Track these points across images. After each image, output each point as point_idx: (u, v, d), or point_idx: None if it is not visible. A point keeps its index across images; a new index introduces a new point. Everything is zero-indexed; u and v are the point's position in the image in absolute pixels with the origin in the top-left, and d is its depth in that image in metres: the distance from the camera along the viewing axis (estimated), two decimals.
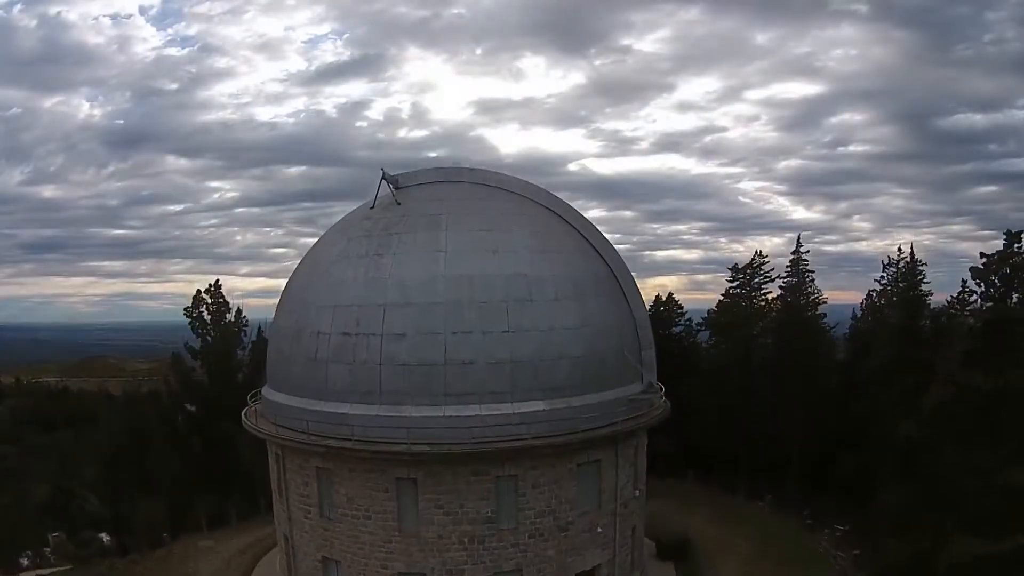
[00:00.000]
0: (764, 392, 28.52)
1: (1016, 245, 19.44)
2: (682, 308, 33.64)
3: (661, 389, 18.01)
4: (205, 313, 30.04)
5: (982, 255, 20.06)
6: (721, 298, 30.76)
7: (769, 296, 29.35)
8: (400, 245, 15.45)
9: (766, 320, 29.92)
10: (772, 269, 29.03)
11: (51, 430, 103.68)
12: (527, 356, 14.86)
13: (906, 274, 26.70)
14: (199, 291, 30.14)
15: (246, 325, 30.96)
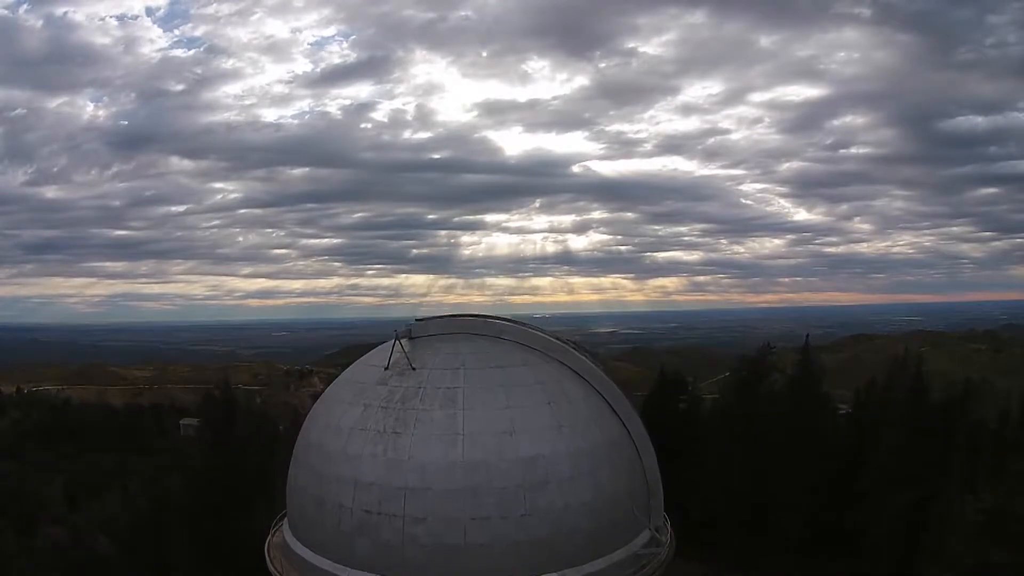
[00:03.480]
0: (766, 475, 29.34)
1: None
2: (687, 384, 34.35)
3: (667, 521, 18.68)
4: (214, 408, 30.60)
5: None
6: (727, 375, 31.53)
7: (775, 387, 30.15)
8: (418, 424, 15.85)
9: (773, 408, 30.68)
10: (779, 358, 29.74)
11: (53, 444, 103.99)
12: (542, 536, 15.35)
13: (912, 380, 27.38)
14: (211, 388, 30.67)
15: (263, 414, 31.56)
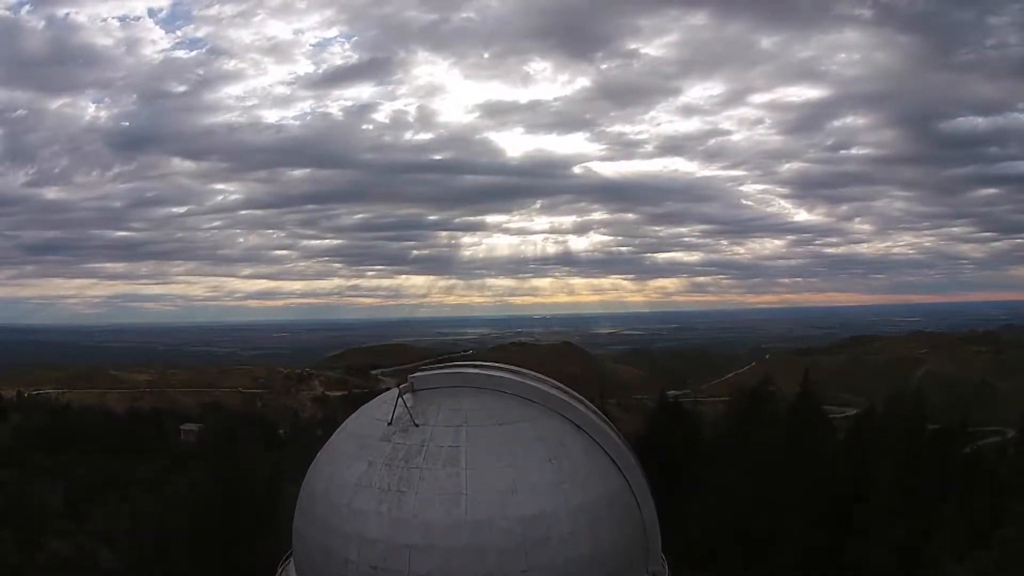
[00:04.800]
0: (765, 503, 29.69)
1: None
2: (687, 412, 34.67)
3: (664, 563, 19.06)
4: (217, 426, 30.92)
5: None
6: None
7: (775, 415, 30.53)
8: (421, 483, 16.17)
9: (773, 437, 31.04)
10: (778, 388, 30.10)
11: (54, 449, 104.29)
12: None
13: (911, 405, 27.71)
14: (214, 402, 30.96)
15: (262, 418, 31.84)
